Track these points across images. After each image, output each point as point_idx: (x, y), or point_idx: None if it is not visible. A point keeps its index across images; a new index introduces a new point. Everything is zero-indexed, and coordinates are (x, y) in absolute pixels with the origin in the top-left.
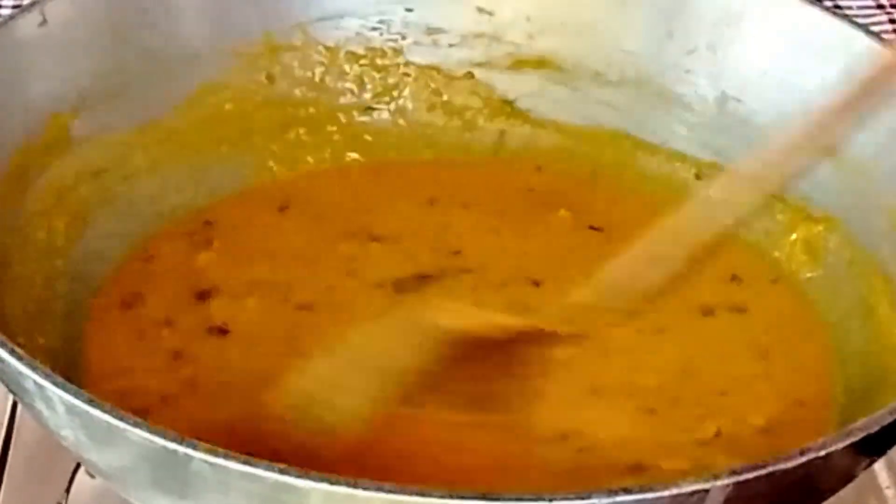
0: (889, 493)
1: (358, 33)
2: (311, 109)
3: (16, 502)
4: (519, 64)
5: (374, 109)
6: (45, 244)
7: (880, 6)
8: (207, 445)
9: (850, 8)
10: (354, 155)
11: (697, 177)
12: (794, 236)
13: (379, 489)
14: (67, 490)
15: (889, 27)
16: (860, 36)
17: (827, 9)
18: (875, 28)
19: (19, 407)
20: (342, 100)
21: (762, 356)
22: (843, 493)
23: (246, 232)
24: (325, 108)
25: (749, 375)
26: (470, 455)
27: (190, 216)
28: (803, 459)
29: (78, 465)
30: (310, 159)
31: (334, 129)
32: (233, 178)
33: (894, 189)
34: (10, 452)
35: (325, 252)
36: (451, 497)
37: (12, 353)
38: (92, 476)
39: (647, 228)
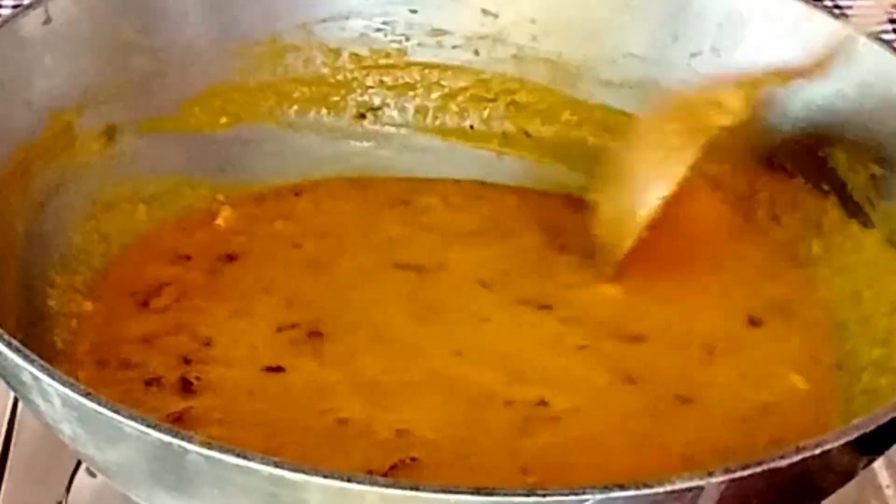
0: (889, 492)
1: (362, 34)
2: (314, 110)
3: (16, 502)
4: (523, 66)
5: (377, 110)
6: (47, 242)
7: None
8: (202, 438)
9: (850, 8)
10: (356, 155)
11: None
12: None
13: (372, 483)
14: (67, 490)
15: (889, 27)
16: (860, 37)
17: (828, 10)
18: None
19: (20, 406)
20: (345, 100)
21: None
22: (842, 491)
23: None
24: (328, 109)
25: None
26: None
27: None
28: (799, 457)
29: (78, 465)
30: (312, 160)
31: (338, 129)
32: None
33: None
34: (10, 452)
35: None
36: (444, 492)
37: (9, 345)
38: (92, 475)
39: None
